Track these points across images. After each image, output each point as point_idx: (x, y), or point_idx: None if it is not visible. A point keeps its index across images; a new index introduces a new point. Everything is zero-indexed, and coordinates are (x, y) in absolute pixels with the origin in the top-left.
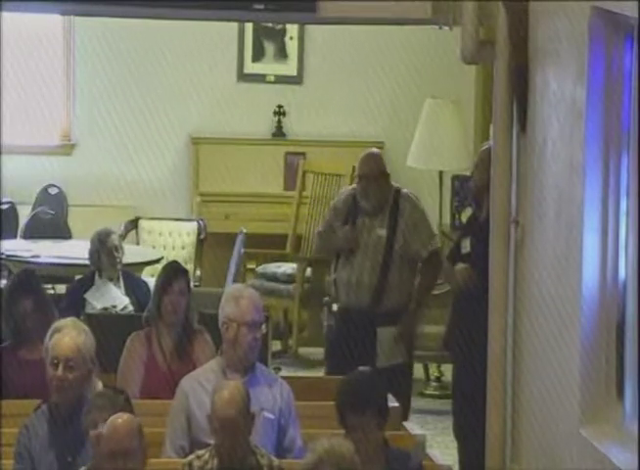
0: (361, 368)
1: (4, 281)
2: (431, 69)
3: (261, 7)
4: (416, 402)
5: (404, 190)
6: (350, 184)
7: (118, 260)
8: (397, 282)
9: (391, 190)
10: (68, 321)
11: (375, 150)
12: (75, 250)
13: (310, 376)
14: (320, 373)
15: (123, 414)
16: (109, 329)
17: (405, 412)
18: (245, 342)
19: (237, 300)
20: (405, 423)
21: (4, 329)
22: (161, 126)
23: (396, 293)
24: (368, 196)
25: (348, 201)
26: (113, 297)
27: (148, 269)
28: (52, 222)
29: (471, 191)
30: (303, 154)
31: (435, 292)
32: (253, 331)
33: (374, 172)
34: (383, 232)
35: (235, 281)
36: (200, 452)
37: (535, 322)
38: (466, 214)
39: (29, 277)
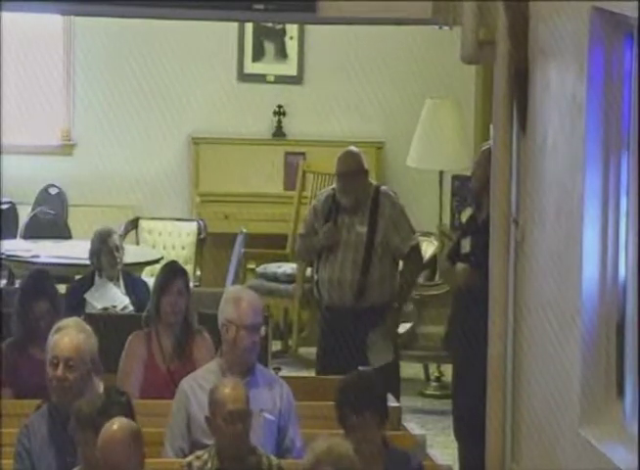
0: (360, 368)
1: (4, 281)
2: (431, 69)
3: (261, 7)
4: (416, 402)
5: (383, 187)
6: None
7: (119, 260)
8: (379, 279)
9: (371, 187)
10: (70, 321)
11: (353, 148)
12: (75, 250)
13: (310, 376)
14: None
15: (117, 420)
16: (109, 329)
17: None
18: (244, 344)
19: (236, 302)
20: (405, 423)
21: (18, 328)
22: (161, 126)
23: (378, 289)
24: (347, 193)
25: (328, 200)
26: (113, 297)
27: (148, 269)
28: (52, 222)
29: (471, 191)
30: (303, 154)
31: (435, 292)
32: (253, 334)
33: (352, 170)
34: (363, 229)
35: (235, 281)
36: (199, 453)
37: (535, 322)
38: (466, 214)
39: (44, 278)
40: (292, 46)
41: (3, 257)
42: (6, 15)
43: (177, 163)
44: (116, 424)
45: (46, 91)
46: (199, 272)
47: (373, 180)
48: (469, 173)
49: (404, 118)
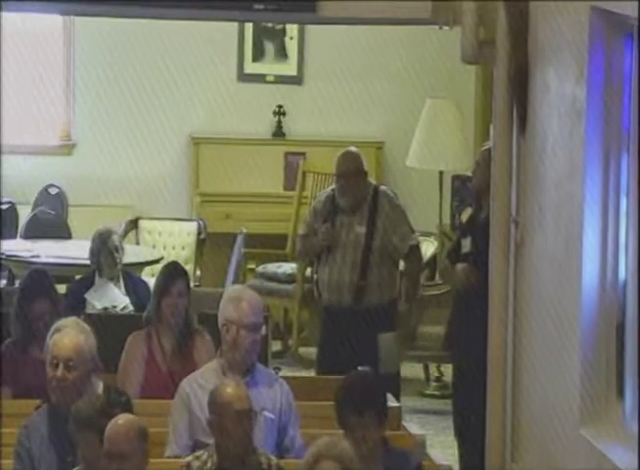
0: (360, 368)
1: (4, 281)
2: (431, 69)
3: (261, 7)
4: (416, 402)
5: (382, 187)
6: None
7: (119, 261)
8: (378, 279)
9: (369, 187)
10: (68, 321)
11: (352, 148)
12: (75, 250)
13: (310, 376)
14: None
15: (125, 416)
16: (109, 329)
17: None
18: (244, 344)
19: (236, 302)
20: (405, 423)
21: (18, 328)
22: (161, 126)
23: (377, 290)
24: (346, 194)
25: (327, 201)
26: (113, 297)
27: (148, 269)
28: (52, 222)
29: (471, 191)
30: (303, 154)
31: (435, 292)
32: (253, 333)
33: (351, 171)
34: (362, 230)
35: (235, 281)
36: (198, 453)
37: (535, 322)
38: (466, 214)
39: (43, 278)
40: (292, 46)
41: (3, 257)
42: (6, 15)
43: (177, 163)
44: (123, 419)
45: (46, 91)
46: (199, 272)
47: (373, 180)
48: (469, 173)
49: (404, 118)
